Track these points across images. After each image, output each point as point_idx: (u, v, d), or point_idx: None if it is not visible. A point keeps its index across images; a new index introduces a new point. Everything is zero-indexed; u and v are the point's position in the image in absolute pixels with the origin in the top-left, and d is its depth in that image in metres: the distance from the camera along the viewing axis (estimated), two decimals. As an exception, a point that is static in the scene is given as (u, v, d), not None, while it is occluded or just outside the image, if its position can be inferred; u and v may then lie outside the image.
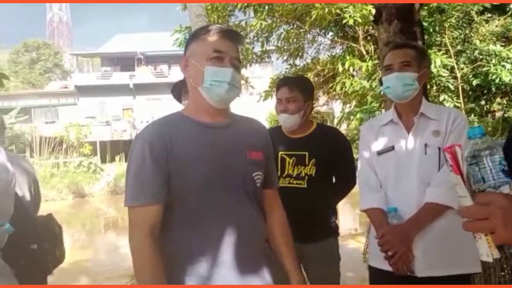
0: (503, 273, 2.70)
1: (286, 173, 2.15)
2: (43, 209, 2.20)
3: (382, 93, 4.50)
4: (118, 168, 17.61)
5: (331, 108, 16.87)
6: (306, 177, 2.11)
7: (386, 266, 1.63)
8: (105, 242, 8.74)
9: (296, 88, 2.13)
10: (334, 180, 2.26)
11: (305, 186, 2.11)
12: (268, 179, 1.41)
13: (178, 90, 2.34)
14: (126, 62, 28.57)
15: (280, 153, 2.16)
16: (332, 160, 2.13)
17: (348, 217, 8.73)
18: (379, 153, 1.73)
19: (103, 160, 21.53)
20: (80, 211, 13.76)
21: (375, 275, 1.76)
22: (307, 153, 2.12)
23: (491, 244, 0.78)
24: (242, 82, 8.31)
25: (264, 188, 1.40)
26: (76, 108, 26.08)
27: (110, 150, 23.09)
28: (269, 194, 1.44)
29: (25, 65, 45.21)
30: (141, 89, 25.95)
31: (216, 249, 1.21)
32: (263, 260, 1.34)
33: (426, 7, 7.03)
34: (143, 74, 27.07)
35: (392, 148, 1.70)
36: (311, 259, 2.10)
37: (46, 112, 26.60)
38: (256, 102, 8.54)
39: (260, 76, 18.06)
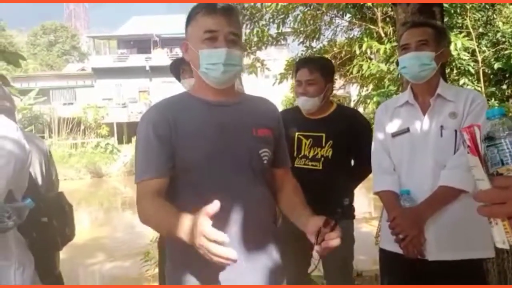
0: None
1: (302, 153, 2.13)
2: (62, 188, 2.25)
3: (399, 76, 4.41)
4: (134, 149, 17.83)
5: (348, 91, 16.68)
6: (322, 159, 2.09)
7: (397, 249, 1.62)
8: (122, 220, 8.94)
9: (317, 70, 2.07)
10: (352, 163, 2.22)
11: (321, 167, 2.09)
12: (279, 158, 1.40)
13: (176, 68, 2.30)
14: (142, 44, 28.61)
15: (296, 133, 2.14)
16: (350, 143, 2.09)
17: (363, 201, 8.71)
18: (394, 135, 1.70)
19: (120, 141, 21.85)
20: (98, 190, 14.07)
21: (386, 257, 1.75)
22: (324, 135, 2.09)
23: (508, 230, 0.75)
24: (258, 64, 8.26)
25: (275, 167, 1.39)
26: (93, 90, 26.34)
27: (127, 131, 23.38)
28: (280, 172, 1.42)
29: (43, 47, 45.68)
30: (157, 71, 25.99)
31: (220, 224, 1.17)
32: (270, 238, 1.33)
33: (448, -12, 6.81)
34: (159, 57, 27.08)
35: (407, 130, 1.67)
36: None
37: (64, 93, 26.98)
38: (271, 85, 8.47)
39: (276, 58, 17.88)
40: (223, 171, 1.24)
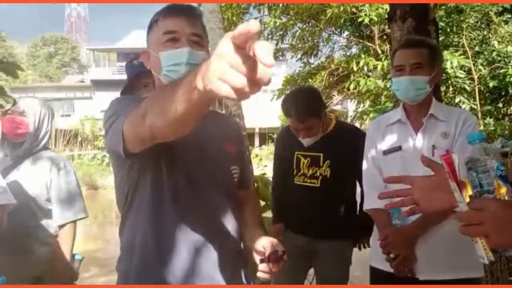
0: (511, 278, 2.64)
1: (301, 171, 2.14)
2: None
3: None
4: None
5: (345, 107, 16.77)
6: (320, 177, 2.09)
7: (387, 267, 1.61)
8: (116, 234, 8.87)
9: (309, 116, 2.01)
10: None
11: (319, 185, 2.09)
12: (244, 179, 1.30)
13: (136, 83, 2.06)
14: (142, 57, 28.78)
15: (296, 153, 2.15)
16: (348, 161, 2.05)
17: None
18: (386, 152, 1.70)
19: (117, 154, 21.76)
20: (93, 202, 13.96)
21: (376, 275, 1.74)
22: (322, 155, 2.09)
23: (486, 247, 0.81)
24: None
25: (239, 187, 1.28)
26: (92, 102, 26.40)
27: (124, 144, 23.28)
28: (241, 193, 1.30)
29: (42, 58, 45.98)
30: (156, 84, 26.06)
31: (196, 244, 1.11)
32: (239, 260, 1.24)
33: (443, 7, 6.93)
34: (158, 70, 27.19)
35: (399, 148, 1.67)
36: (320, 257, 2.11)
37: (62, 105, 27.02)
38: (269, 100, 8.52)
39: (274, 73, 17.94)
40: (202, 185, 1.14)
